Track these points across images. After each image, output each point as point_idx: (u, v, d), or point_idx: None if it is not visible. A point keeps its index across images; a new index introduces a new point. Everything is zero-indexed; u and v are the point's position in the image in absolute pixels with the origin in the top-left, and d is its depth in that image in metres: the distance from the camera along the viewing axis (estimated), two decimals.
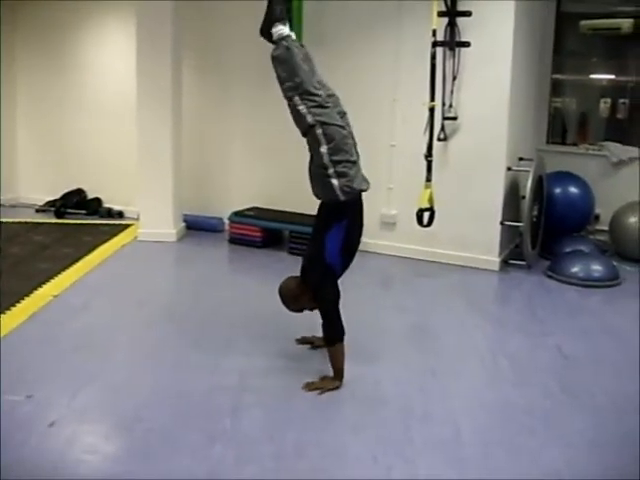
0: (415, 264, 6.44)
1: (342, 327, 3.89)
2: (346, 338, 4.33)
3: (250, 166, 7.36)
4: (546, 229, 6.78)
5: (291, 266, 6.14)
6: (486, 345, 4.68)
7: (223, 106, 7.41)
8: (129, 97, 7.18)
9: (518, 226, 6.33)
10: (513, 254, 6.62)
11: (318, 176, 3.87)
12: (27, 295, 5.26)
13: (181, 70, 7.10)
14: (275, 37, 3.87)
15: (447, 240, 6.39)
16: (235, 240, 7.01)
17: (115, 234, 7.28)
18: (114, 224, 7.74)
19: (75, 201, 8.18)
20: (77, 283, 5.66)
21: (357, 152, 3.94)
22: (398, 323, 4.99)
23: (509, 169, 6.32)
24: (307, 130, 3.84)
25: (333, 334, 3.90)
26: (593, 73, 7.78)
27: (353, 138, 3.93)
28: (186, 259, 6.81)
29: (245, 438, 3.36)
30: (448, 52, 6.14)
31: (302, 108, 3.80)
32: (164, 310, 5.23)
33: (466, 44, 6.08)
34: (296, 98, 3.81)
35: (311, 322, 4.25)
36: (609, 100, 7.41)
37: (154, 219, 7.03)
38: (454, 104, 6.22)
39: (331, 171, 3.79)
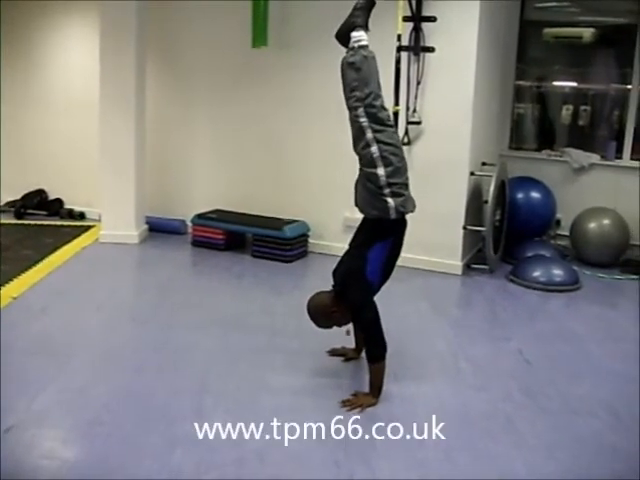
0: None
1: (384, 344, 3.80)
2: (307, 343, 4.34)
3: (213, 169, 7.32)
4: (508, 234, 6.84)
5: (253, 269, 6.18)
6: (448, 349, 4.70)
7: (187, 108, 7.36)
8: (91, 97, 7.09)
9: (481, 231, 6.38)
10: (476, 258, 6.67)
11: (372, 194, 3.78)
12: None
13: (145, 71, 7.03)
14: (353, 43, 3.74)
15: (410, 244, 6.31)
16: (198, 243, 6.96)
17: (76, 236, 7.20)
18: (75, 225, 7.65)
19: (36, 202, 8.06)
20: (37, 285, 5.59)
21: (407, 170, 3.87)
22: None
23: (472, 174, 6.37)
24: (364, 145, 3.75)
25: (376, 351, 3.81)
26: (556, 80, 7.89)
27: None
28: (148, 261, 6.75)
29: (207, 443, 3.33)
30: (413, 57, 6.15)
31: (364, 121, 3.71)
32: (125, 313, 5.18)
33: (431, 49, 6.10)
34: (360, 110, 3.72)
35: (275, 323, 4.23)
36: (571, 107, 7.51)
37: (116, 221, 6.96)
38: (418, 109, 6.23)
39: (387, 191, 3.73)
